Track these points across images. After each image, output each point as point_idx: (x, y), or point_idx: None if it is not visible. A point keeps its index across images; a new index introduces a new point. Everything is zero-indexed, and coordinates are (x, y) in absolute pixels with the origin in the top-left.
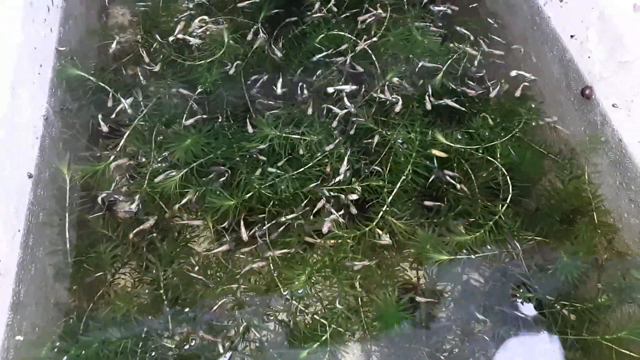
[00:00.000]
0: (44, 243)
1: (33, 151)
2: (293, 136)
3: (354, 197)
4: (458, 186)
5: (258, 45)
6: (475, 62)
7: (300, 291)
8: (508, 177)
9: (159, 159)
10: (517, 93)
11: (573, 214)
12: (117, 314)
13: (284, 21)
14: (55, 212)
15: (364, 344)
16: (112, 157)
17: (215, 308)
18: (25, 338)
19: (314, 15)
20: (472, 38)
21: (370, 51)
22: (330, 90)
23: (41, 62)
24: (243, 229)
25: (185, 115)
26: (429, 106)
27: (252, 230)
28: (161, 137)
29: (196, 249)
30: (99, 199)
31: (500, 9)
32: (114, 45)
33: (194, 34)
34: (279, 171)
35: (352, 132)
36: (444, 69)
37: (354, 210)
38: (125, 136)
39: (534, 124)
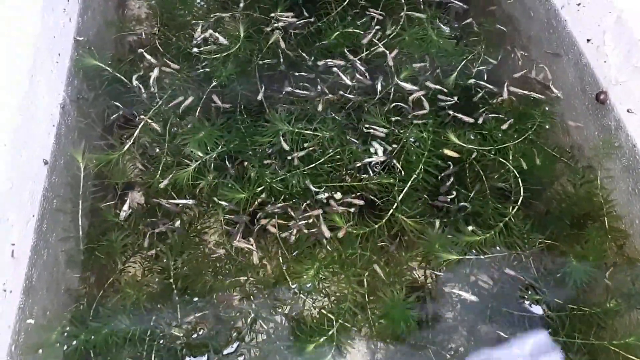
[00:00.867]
0: (57, 229)
1: (49, 138)
2: (305, 132)
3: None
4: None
5: (273, 40)
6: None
7: (308, 285)
8: (520, 179)
9: (172, 150)
10: (532, 96)
11: (584, 219)
12: (127, 302)
13: (300, 18)
14: (69, 199)
15: (369, 342)
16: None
17: (224, 299)
18: (36, 322)
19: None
20: (486, 39)
21: (384, 49)
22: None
23: (59, 52)
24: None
25: (198, 108)
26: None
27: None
28: (175, 129)
29: (208, 239)
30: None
31: (517, 12)
32: (131, 38)
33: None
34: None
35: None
36: (458, 68)
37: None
38: (139, 127)
39: (547, 126)
